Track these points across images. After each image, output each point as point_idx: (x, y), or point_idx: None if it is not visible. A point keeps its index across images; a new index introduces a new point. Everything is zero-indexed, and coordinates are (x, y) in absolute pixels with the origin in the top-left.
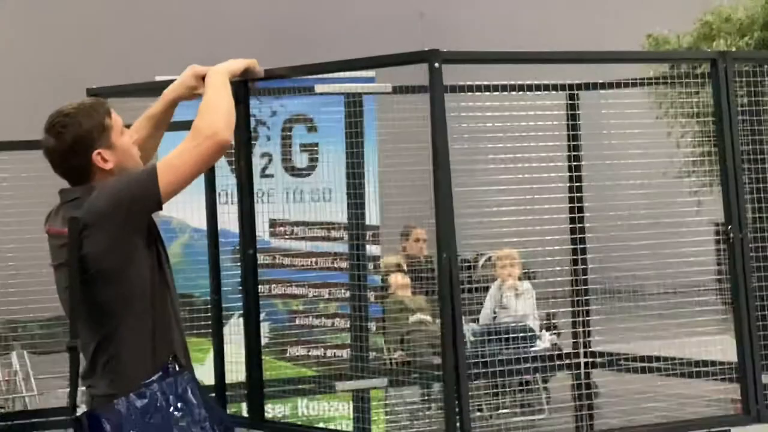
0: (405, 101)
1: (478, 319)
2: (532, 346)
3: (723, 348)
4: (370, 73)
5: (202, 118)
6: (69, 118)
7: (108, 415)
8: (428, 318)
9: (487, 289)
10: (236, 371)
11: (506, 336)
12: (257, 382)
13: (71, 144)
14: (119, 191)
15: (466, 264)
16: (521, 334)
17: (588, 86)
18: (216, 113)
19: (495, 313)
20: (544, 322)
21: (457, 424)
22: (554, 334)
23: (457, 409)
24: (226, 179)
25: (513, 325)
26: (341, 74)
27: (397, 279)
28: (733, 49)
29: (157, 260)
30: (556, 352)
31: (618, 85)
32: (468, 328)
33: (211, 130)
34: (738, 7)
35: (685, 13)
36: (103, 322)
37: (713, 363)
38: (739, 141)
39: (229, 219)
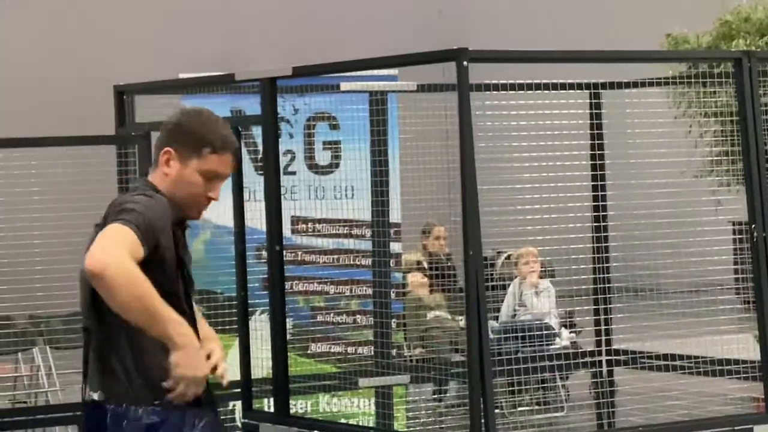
0: (427, 99)
1: (497, 317)
2: (551, 344)
3: (744, 346)
4: (392, 71)
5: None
6: (200, 114)
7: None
8: (446, 315)
9: (505, 287)
10: (258, 367)
11: (526, 334)
12: (283, 378)
13: (176, 124)
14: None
15: (487, 262)
16: (542, 332)
17: (611, 85)
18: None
19: (515, 310)
20: (564, 320)
21: (482, 421)
22: (573, 332)
23: (482, 407)
24: (249, 177)
25: (533, 323)
26: (363, 72)
27: (416, 277)
28: (753, 49)
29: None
30: (576, 350)
31: (640, 84)
32: (488, 326)
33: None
34: (757, 7)
35: (704, 12)
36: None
37: (735, 362)
38: (763, 140)
39: (252, 216)
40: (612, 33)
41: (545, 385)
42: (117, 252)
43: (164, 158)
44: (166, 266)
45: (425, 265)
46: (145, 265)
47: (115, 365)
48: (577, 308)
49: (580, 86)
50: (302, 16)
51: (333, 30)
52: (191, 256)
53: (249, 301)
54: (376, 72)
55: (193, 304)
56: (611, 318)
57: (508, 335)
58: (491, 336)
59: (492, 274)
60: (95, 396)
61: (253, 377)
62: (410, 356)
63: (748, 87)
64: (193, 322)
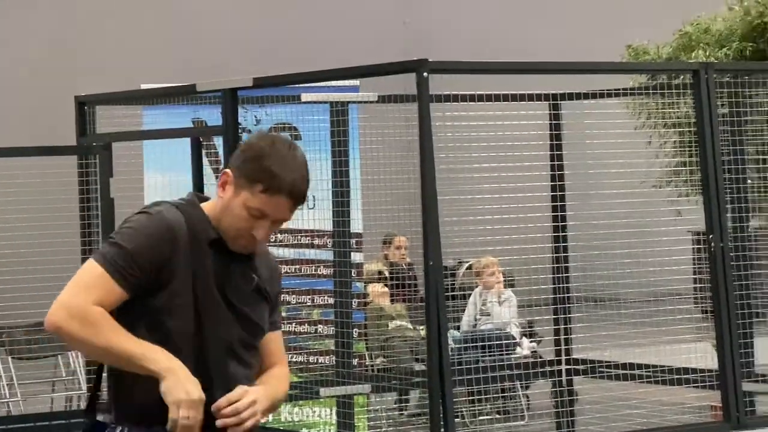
0: (390, 110)
1: (459, 327)
2: (512, 354)
3: (702, 355)
4: (354, 81)
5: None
6: (274, 144)
7: None
8: (407, 325)
9: (466, 296)
10: None
11: (487, 343)
12: None
13: (247, 146)
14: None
15: (448, 271)
16: (503, 342)
17: (570, 96)
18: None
19: (476, 320)
20: (525, 329)
21: (442, 430)
22: (534, 341)
23: (442, 416)
24: (212, 188)
25: (494, 332)
26: (326, 83)
27: (376, 288)
28: (712, 60)
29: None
30: (536, 360)
31: (600, 95)
32: (449, 335)
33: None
34: (717, 19)
35: (664, 24)
36: None
37: (692, 370)
38: (720, 151)
39: None
40: (576, 44)
41: (506, 394)
42: (73, 302)
43: (223, 179)
44: (174, 304)
45: (386, 274)
46: (142, 300)
47: (129, 388)
48: (537, 318)
49: (539, 97)
50: (270, 27)
51: (298, 41)
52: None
53: None
54: (338, 83)
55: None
56: (571, 327)
57: (469, 344)
58: (452, 345)
59: (453, 284)
60: (102, 418)
61: None
62: (372, 366)
63: (705, 98)
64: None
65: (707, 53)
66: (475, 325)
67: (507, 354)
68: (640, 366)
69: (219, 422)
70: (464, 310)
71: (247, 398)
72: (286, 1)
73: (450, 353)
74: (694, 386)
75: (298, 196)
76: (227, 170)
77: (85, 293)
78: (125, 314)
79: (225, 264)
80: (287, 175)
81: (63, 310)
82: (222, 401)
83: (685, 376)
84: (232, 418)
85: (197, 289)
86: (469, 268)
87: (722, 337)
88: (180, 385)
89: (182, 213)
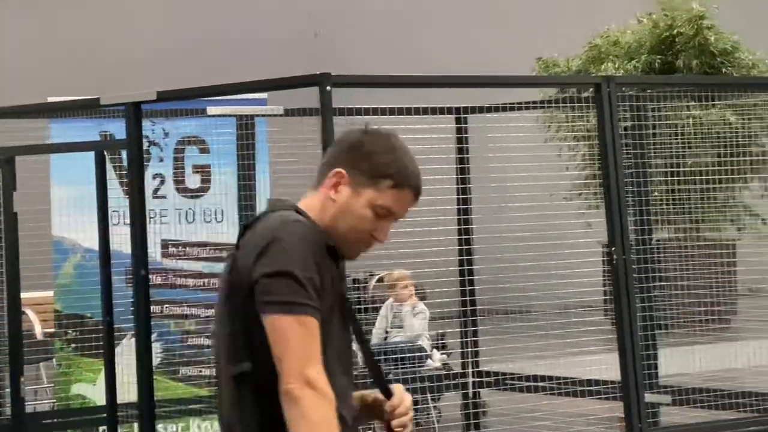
0: (299, 123)
1: (369, 339)
2: (423, 366)
3: (609, 367)
4: (262, 94)
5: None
6: (388, 138)
7: None
8: None
9: (377, 309)
10: (131, 392)
11: (399, 356)
12: (148, 402)
13: (356, 143)
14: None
15: (359, 285)
16: (416, 354)
17: (475, 110)
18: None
19: (387, 332)
20: (435, 341)
21: None
22: (445, 353)
23: None
24: (118, 201)
25: (406, 344)
26: (234, 96)
27: None
28: (621, 72)
29: None
30: (446, 372)
31: (504, 108)
32: (357, 348)
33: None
34: (626, 31)
35: (575, 36)
36: None
37: (597, 382)
38: (623, 164)
39: (121, 240)
40: (489, 56)
41: (417, 406)
42: (312, 376)
43: (333, 180)
44: (332, 323)
45: None
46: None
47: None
48: (449, 330)
49: (443, 110)
50: (178, 40)
51: (210, 53)
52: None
53: (119, 325)
54: (246, 96)
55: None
56: (478, 340)
57: (380, 357)
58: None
59: (364, 296)
60: None
61: (123, 401)
62: None
63: (607, 111)
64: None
65: (616, 65)
66: (386, 337)
67: (419, 366)
68: (548, 378)
69: (396, 422)
70: (374, 322)
71: (409, 398)
72: (198, 12)
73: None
74: (598, 398)
75: (420, 189)
76: (340, 170)
77: (315, 360)
78: None
79: (339, 273)
80: (413, 169)
81: (309, 389)
82: (396, 401)
83: (589, 387)
84: (406, 417)
85: (338, 301)
86: (380, 280)
87: (625, 349)
88: None
89: (309, 222)
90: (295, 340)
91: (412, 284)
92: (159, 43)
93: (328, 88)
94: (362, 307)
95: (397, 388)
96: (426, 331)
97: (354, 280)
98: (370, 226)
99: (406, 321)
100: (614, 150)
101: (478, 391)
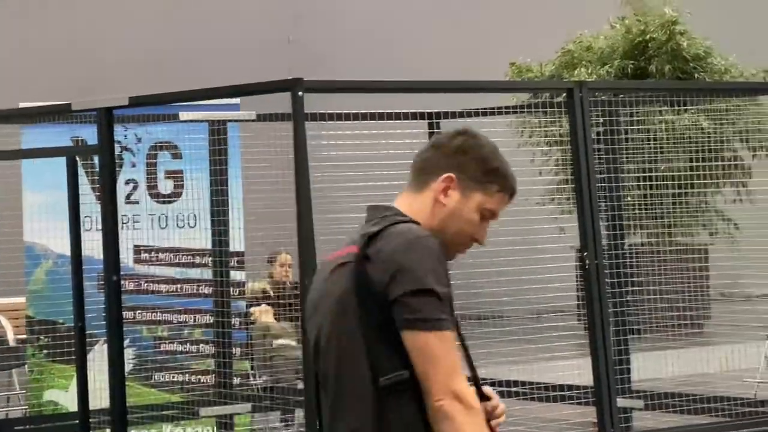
0: (272, 128)
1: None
2: None
3: (582, 372)
4: (235, 100)
5: None
6: (487, 143)
7: None
8: (292, 343)
9: None
10: (103, 398)
11: None
12: (120, 408)
13: (461, 147)
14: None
15: None
16: None
17: (447, 115)
18: None
19: None
20: None
21: None
22: None
23: None
24: (90, 206)
25: None
26: (207, 102)
27: (260, 307)
28: (594, 77)
29: None
30: None
31: (477, 113)
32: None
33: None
34: (599, 37)
35: (548, 41)
36: None
37: (570, 387)
38: (596, 169)
39: (94, 246)
40: (463, 61)
41: None
42: (462, 390)
43: (443, 185)
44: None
45: (270, 293)
46: None
47: None
48: None
49: (415, 116)
50: (150, 46)
51: (184, 59)
52: None
53: (92, 331)
54: (219, 101)
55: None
56: None
57: None
58: None
59: None
60: None
61: (96, 407)
62: (256, 385)
63: (579, 116)
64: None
65: (589, 71)
66: None
67: None
68: (519, 383)
69: (494, 422)
70: None
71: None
72: (173, 17)
73: None
74: (571, 403)
75: (516, 192)
76: (450, 174)
77: (459, 373)
78: None
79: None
80: (511, 171)
81: (458, 403)
82: (495, 402)
83: (562, 393)
84: (502, 418)
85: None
86: None
87: (597, 354)
88: None
89: (428, 232)
90: (441, 356)
91: None
92: (133, 48)
93: (300, 93)
94: None
95: (490, 391)
96: None
97: None
98: (475, 229)
99: None
100: (586, 155)
101: None
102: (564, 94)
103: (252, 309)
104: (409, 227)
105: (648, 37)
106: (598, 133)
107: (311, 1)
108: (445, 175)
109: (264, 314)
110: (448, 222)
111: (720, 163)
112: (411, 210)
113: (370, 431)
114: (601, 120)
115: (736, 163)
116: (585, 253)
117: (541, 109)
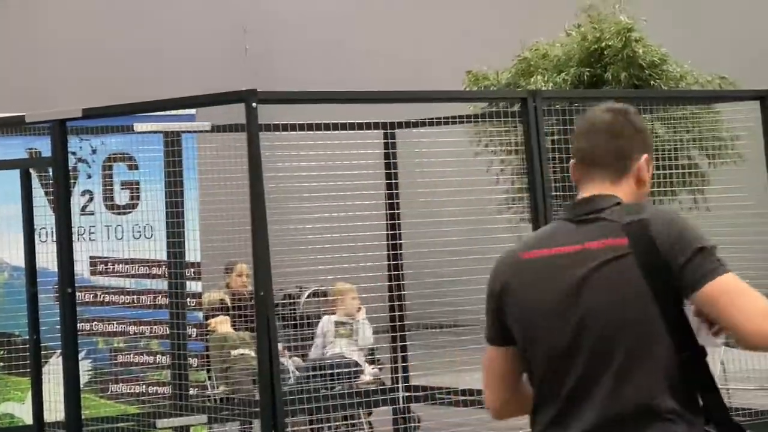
0: (228, 139)
1: (303, 355)
2: (357, 380)
3: None
4: (191, 111)
5: None
6: (634, 111)
7: None
8: (251, 353)
9: (311, 324)
10: (59, 410)
11: (335, 371)
12: (75, 421)
13: (643, 127)
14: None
15: (291, 300)
16: (352, 369)
17: (402, 125)
18: None
19: (325, 347)
20: (367, 356)
21: None
22: (376, 368)
23: None
24: (44, 218)
25: (342, 359)
26: (162, 113)
27: (217, 318)
28: (551, 85)
29: None
30: (377, 387)
31: (432, 123)
32: (290, 363)
33: None
34: (555, 44)
35: (506, 49)
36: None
37: None
38: (550, 177)
39: (49, 258)
40: (420, 70)
41: (349, 422)
42: None
43: (644, 164)
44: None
45: (228, 303)
46: None
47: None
48: (379, 345)
49: (370, 126)
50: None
51: (142, 69)
52: None
53: (47, 344)
54: (174, 112)
55: None
56: (408, 355)
57: (317, 372)
58: (297, 374)
59: (295, 311)
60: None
61: (51, 420)
62: (213, 395)
63: (533, 125)
64: None
65: (546, 78)
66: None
67: (354, 381)
68: (475, 392)
69: None
70: (307, 336)
71: None
72: (130, 28)
73: (293, 381)
74: None
75: None
76: (647, 156)
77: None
78: None
79: None
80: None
81: None
82: None
83: None
84: None
85: None
86: (315, 295)
87: None
88: None
89: None
90: (747, 287)
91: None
92: (88, 59)
93: (254, 104)
94: (297, 322)
95: None
96: (362, 345)
97: (286, 296)
98: None
99: (365, 332)
100: (540, 163)
101: (408, 406)
102: (520, 103)
103: (210, 320)
104: (658, 209)
105: (604, 44)
106: (552, 141)
107: (272, 12)
108: (646, 157)
109: (221, 324)
110: (642, 194)
111: (677, 171)
112: (625, 196)
113: (680, 408)
114: (557, 128)
115: (692, 171)
116: None
117: (496, 119)
